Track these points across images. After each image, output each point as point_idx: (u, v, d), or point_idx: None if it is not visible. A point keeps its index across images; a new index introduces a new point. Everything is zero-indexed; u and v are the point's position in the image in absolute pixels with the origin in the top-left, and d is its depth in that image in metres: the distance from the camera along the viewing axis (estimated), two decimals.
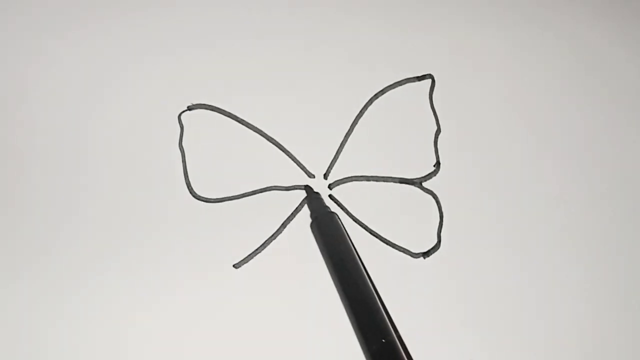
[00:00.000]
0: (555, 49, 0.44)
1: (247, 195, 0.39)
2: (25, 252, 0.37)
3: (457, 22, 0.43)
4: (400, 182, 0.40)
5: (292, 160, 0.40)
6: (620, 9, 0.44)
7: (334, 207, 0.39)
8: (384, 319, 0.32)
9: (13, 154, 0.40)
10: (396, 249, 0.37)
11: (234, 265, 0.36)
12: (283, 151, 0.40)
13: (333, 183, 0.40)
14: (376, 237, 0.38)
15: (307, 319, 0.35)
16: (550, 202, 0.41)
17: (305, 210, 0.39)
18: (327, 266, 0.35)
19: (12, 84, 0.41)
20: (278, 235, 0.37)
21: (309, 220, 0.37)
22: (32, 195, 0.38)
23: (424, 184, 0.40)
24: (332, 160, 0.40)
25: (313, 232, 0.37)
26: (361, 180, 0.40)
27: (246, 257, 0.36)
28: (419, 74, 0.42)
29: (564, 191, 0.41)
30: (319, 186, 0.40)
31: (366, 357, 0.31)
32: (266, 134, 0.40)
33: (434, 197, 0.39)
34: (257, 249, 0.37)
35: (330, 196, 0.39)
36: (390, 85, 0.42)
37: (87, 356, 0.34)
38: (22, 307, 0.35)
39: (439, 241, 0.38)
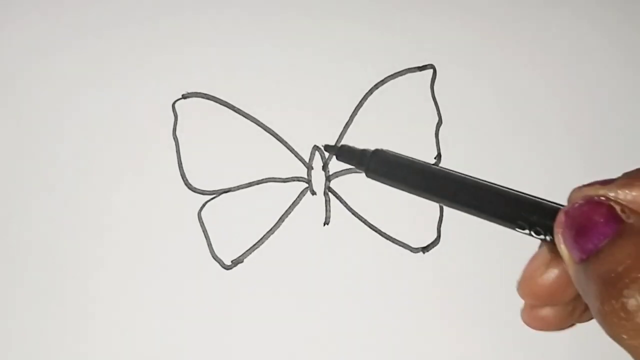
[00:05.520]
0: (556, 41, 0.43)
1: (244, 187, 0.38)
2: (18, 249, 0.36)
3: (459, 13, 0.42)
4: None
5: (290, 151, 0.39)
6: (619, 4, 0.44)
7: (332, 200, 0.38)
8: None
9: (3, 146, 0.38)
10: (395, 243, 0.37)
11: (231, 261, 0.36)
12: (281, 142, 0.39)
13: (332, 175, 0.39)
14: (375, 231, 0.37)
15: (307, 317, 0.35)
16: (551, 194, 0.40)
17: (304, 202, 0.38)
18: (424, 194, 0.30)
19: (4, 77, 0.40)
20: (276, 229, 0.37)
21: (357, 173, 0.33)
22: (20, 189, 0.37)
23: None
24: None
25: (374, 177, 0.32)
26: (360, 173, 0.39)
27: (244, 253, 0.36)
28: (420, 64, 0.41)
29: (564, 182, 0.41)
30: (317, 178, 0.39)
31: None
32: (263, 124, 0.39)
33: None
34: (254, 245, 0.36)
35: (329, 188, 0.39)
36: (391, 76, 0.41)
37: (85, 355, 0.34)
38: (19, 306, 0.35)
39: (439, 236, 0.37)
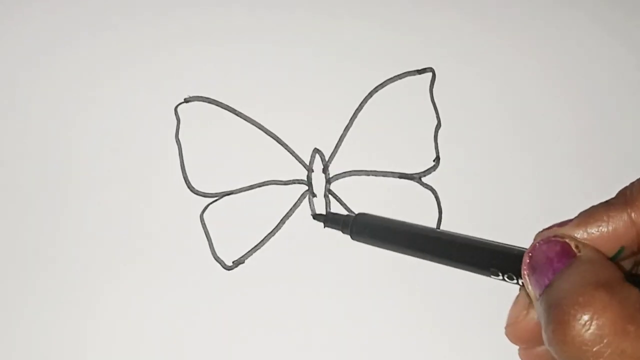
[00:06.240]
0: (555, 43, 0.43)
1: (245, 190, 0.38)
2: (19, 251, 0.36)
3: (458, 16, 0.43)
4: (400, 177, 0.39)
5: (291, 154, 0.40)
6: (620, 5, 0.44)
7: (332, 202, 0.38)
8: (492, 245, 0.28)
9: (8, 150, 0.39)
10: None
11: (233, 262, 0.36)
12: (282, 145, 0.40)
13: (332, 177, 0.39)
14: None
15: (307, 318, 0.35)
16: (549, 198, 0.41)
17: (305, 205, 0.38)
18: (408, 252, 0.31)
19: (6, 80, 0.40)
20: (277, 231, 0.37)
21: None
22: (25, 192, 0.38)
23: (424, 179, 0.39)
24: (331, 154, 0.40)
25: (359, 240, 0.34)
26: (360, 175, 0.39)
27: (245, 255, 0.36)
28: (420, 68, 0.41)
29: (563, 186, 0.41)
30: (318, 180, 0.39)
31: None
32: (264, 127, 0.40)
33: (433, 193, 0.39)
34: (255, 246, 0.36)
35: (329, 190, 0.39)
36: (390, 79, 0.41)
37: (86, 356, 0.34)
38: (20, 307, 0.35)
39: None
